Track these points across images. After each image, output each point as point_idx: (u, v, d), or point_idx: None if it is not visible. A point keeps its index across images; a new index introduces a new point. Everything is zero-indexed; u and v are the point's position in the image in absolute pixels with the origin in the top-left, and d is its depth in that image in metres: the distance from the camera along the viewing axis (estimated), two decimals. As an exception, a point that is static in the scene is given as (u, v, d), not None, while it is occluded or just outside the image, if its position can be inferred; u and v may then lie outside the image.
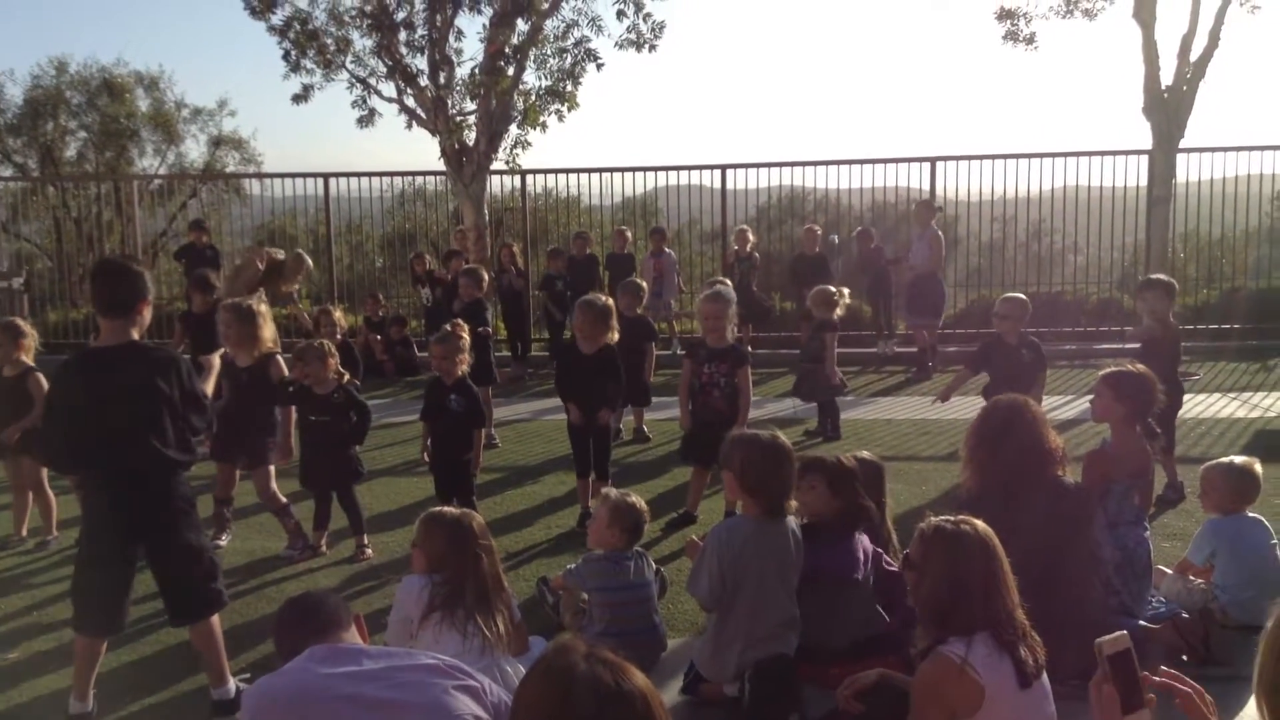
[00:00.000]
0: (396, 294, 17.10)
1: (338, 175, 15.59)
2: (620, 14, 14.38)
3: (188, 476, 4.49)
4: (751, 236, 13.75)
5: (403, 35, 14.51)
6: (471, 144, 14.53)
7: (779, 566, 4.35)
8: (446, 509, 4.33)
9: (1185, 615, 4.81)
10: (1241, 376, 11.80)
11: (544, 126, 14.70)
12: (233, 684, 4.51)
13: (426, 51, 14.51)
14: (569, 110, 14.71)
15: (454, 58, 14.63)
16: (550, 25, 14.47)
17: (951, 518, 3.29)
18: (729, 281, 9.66)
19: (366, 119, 14.89)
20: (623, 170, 15.51)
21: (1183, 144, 14.27)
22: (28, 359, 6.79)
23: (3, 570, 6.49)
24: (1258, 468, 5.32)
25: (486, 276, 9.96)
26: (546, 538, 6.79)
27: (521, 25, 14.21)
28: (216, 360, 5.23)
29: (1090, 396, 5.47)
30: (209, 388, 4.74)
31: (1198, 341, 12.60)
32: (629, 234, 14.28)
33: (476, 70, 14.43)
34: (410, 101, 14.67)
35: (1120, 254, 16.30)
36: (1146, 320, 7.28)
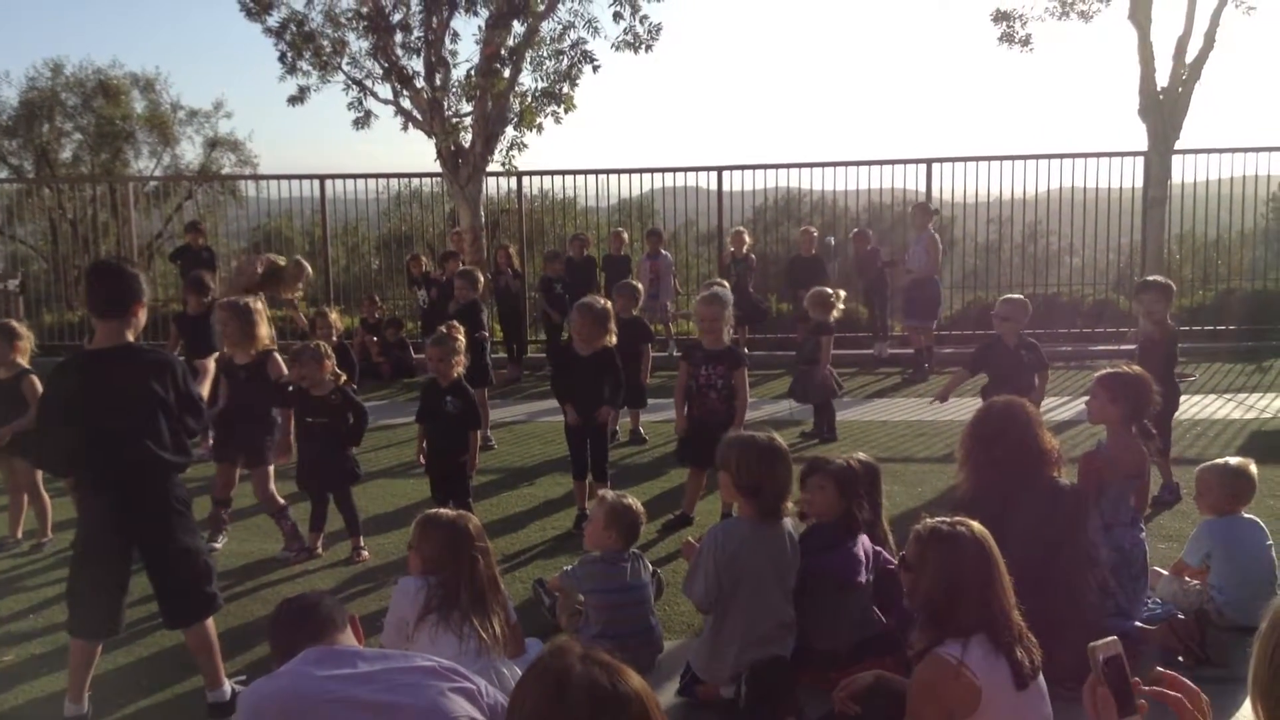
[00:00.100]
0: (393, 296, 17.08)
1: (334, 177, 15.59)
2: (617, 16, 14.38)
3: (184, 478, 4.49)
4: (748, 238, 13.76)
5: (399, 37, 14.49)
6: (467, 146, 14.53)
7: (775, 568, 4.35)
8: (443, 510, 4.33)
9: (1181, 616, 4.83)
10: (1237, 378, 11.82)
11: (540, 128, 14.69)
12: (228, 686, 4.51)
13: (422, 53, 14.50)
14: (566, 112, 14.70)
15: (450, 59, 14.62)
16: (546, 27, 14.47)
17: (947, 519, 3.29)
18: (726, 283, 9.67)
19: (362, 121, 14.87)
20: (619, 172, 15.53)
21: (1178, 145, 14.31)
22: (23, 361, 6.77)
23: (-2, 573, 6.48)
24: (1253, 469, 5.33)
25: (482, 278, 9.96)
26: (542, 539, 6.78)
27: (518, 27, 14.20)
28: (211, 364, 5.23)
29: (1086, 398, 5.47)
30: (204, 392, 4.73)
31: (1193, 343, 12.63)
32: (625, 236, 14.28)
33: (472, 72, 14.43)
34: (406, 103, 14.66)
35: (1116, 255, 16.34)
36: (1143, 321, 7.29)
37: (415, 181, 18.61)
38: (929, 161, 14.64)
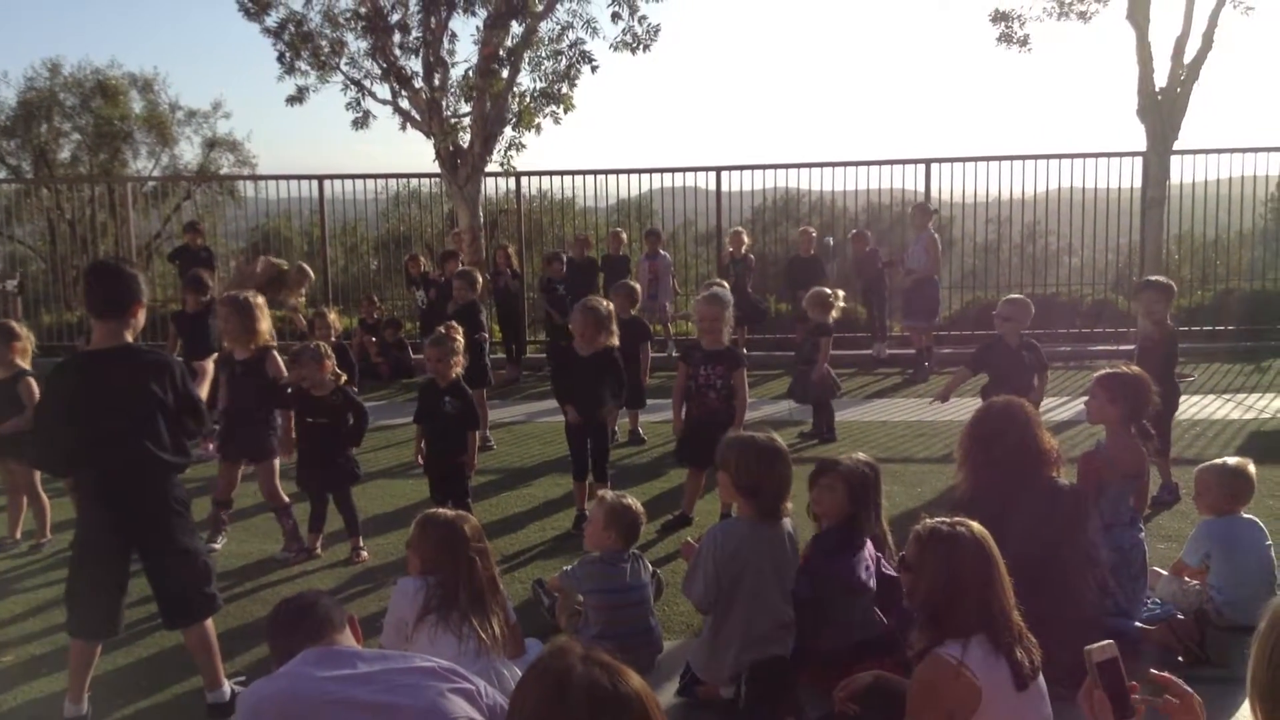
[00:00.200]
0: (391, 296, 17.09)
1: (332, 177, 15.58)
2: (615, 16, 14.39)
3: (183, 479, 4.49)
4: (746, 238, 13.76)
5: (397, 37, 14.48)
6: (466, 146, 14.53)
7: (775, 568, 4.35)
8: (441, 511, 4.33)
9: (1180, 616, 4.83)
10: (1236, 378, 11.83)
11: (538, 128, 14.70)
12: (228, 687, 4.51)
13: (421, 53, 14.50)
14: (565, 112, 14.72)
15: (448, 60, 14.63)
16: (545, 27, 14.47)
17: (947, 519, 3.29)
18: (725, 284, 9.66)
19: (361, 121, 14.87)
20: (618, 172, 15.53)
21: (1177, 146, 14.32)
22: (22, 362, 6.77)
23: (-4, 573, 6.48)
24: (1251, 469, 5.33)
25: (480, 279, 9.96)
26: (542, 540, 6.78)
27: (516, 27, 14.21)
28: (210, 366, 5.23)
29: (1085, 398, 5.47)
30: (203, 393, 4.73)
31: (1192, 343, 12.63)
32: (624, 236, 14.28)
33: (471, 72, 14.43)
34: (405, 103, 14.66)
35: (1115, 256, 16.34)
36: (1142, 321, 7.29)
37: (414, 182, 18.67)
38: (928, 162, 14.64)
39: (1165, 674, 2.33)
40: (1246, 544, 5.14)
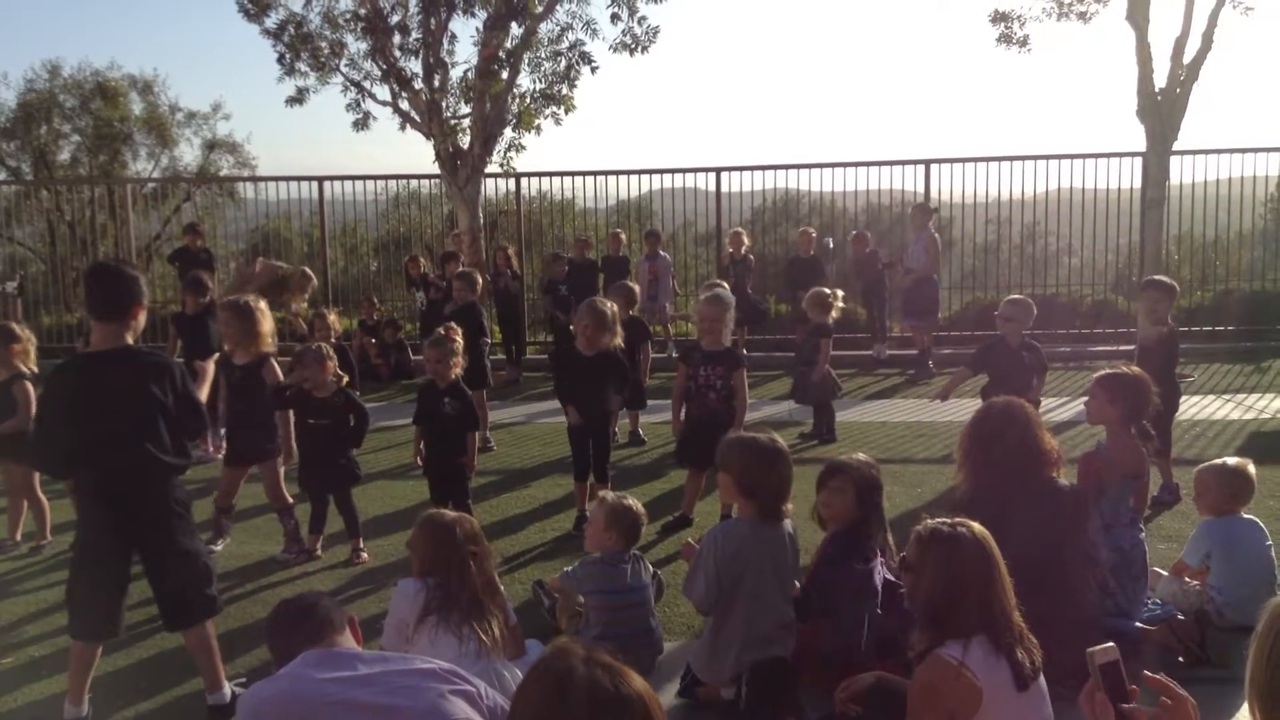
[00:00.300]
0: (391, 297, 17.09)
1: (332, 179, 15.58)
2: (614, 17, 14.41)
3: (184, 480, 4.49)
4: (746, 239, 13.76)
5: (397, 39, 14.50)
6: (466, 147, 14.53)
7: (775, 569, 4.35)
8: (440, 512, 4.34)
9: (1181, 617, 4.83)
10: (1236, 378, 11.83)
11: (538, 129, 14.71)
12: (228, 689, 4.50)
13: (421, 55, 14.51)
14: (566, 113, 14.74)
15: (448, 61, 14.64)
16: (544, 28, 14.49)
17: (948, 520, 3.29)
18: (725, 284, 9.67)
19: (361, 122, 14.90)
20: (617, 173, 15.53)
21: (1176, 146, 14.33)
22: (21, 364, 6.76)
23: (-3, 575, 6.48)
24: (1251, 469, 5.33)
25: (480, 280, 9.96)
26: (542, 541, 6.78)
27: (516, 29, 14.22)
28: (210, 367, 5.22)
29: (1085, 398, 5.48)
30: (203, 394, 4.73)
31: (1192, 343, 12.63)
32: (624, 237, 14.28)
33: (470, 73, 14.44)
34: (405, 105, 14.67)
35: (1115, 256, 16.35)
36: (1143, 321, 7.29)
37: (414, 183, 18.64)
38: (928, 162, 14.65)
39: (1159, 676, 2.33)
40: (1247, 544, 5.14)
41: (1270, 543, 5.19)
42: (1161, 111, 14.18)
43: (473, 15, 14.43)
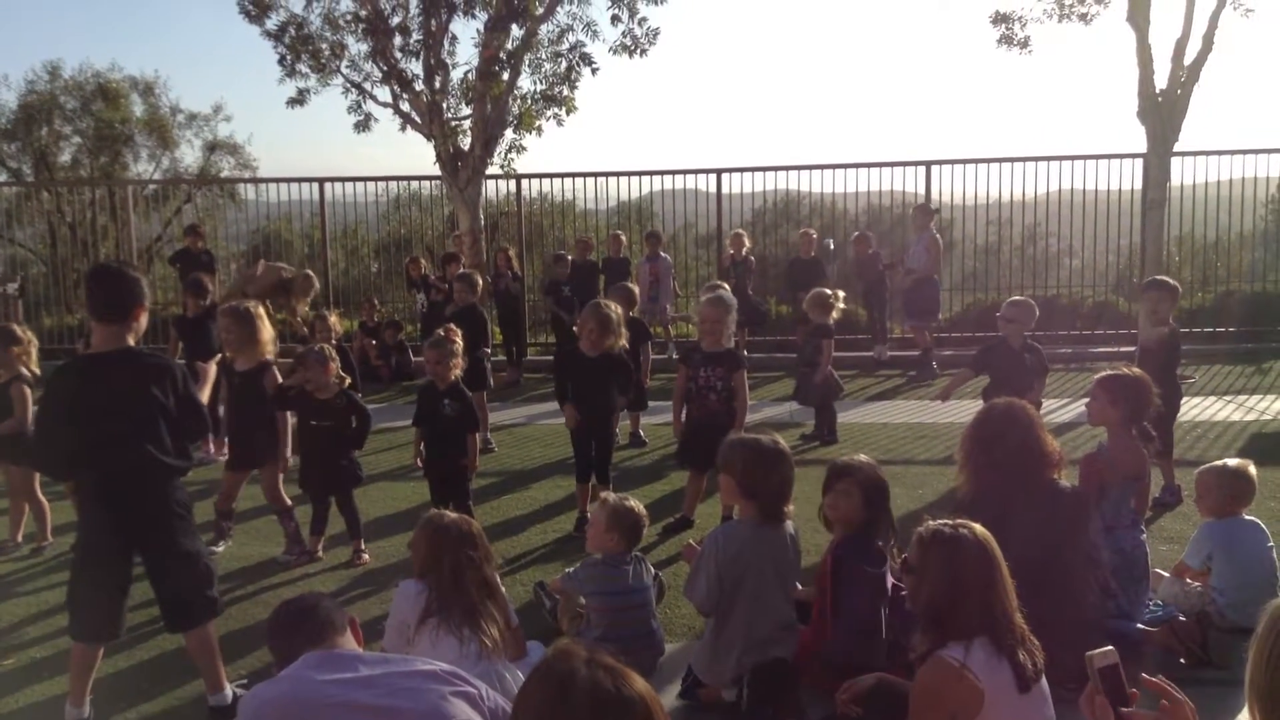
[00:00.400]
0: (392, 299, 17.10)
1: (333, 180, 15.58)
2: (615, 19, 14.42)
3: (185, 482, 4.49)
4: (747, 241, 13.77)
5: (398, 40, 14.51)
6: (467, 148, 14.54)
7: (777, 570, 4.35)
8: (440, 513, 4.34)
9: (1183, 618, 4.83)
10: (1236, 380, 11.83)
11: (539, 130, 14.73)
12: (229, 690, 4.50)
13: (421, 56, 14.52)
14: (567, 114, 14.75)
15: (449, 62, 14.65)
16: (545, 30, 14.50)
17: (949, 522, 3.29)
18: (726, 286, 9.67)
19: (363, 124, 14.90)
20: (618, 174, 15.53)
21: (1177, 147, 14.32)
22: (21, 366, 6.76)
23: (-2, 576, 6.48)
24: (1252, 470, 5.33)
25: (480, 281, 9.97)
26: (543, 542, 6.78)
27: (516, 30, 14.23)
28: (212, 369, 5.22)
29: (1086, 400, 5.47)
30: (205, 396, 4.73)
31: (1192, 344, 12.62)
32: (624, 238, 14.28)
33: (471, 75, 14.45)
34: (405, 106, 14.68)
35: (1116, 257, 16.34)
36: (1144, 321, 7.28)
37: (414, 184, 18.64)
38: (928, 164, 14.65)
39: (1157, 679, 2.34)
40: (1248, 546, 5.13)
41: (1272, 544, 5.19)
42: (1162, 113, 14.18)
43: (473, 17, 14.44)
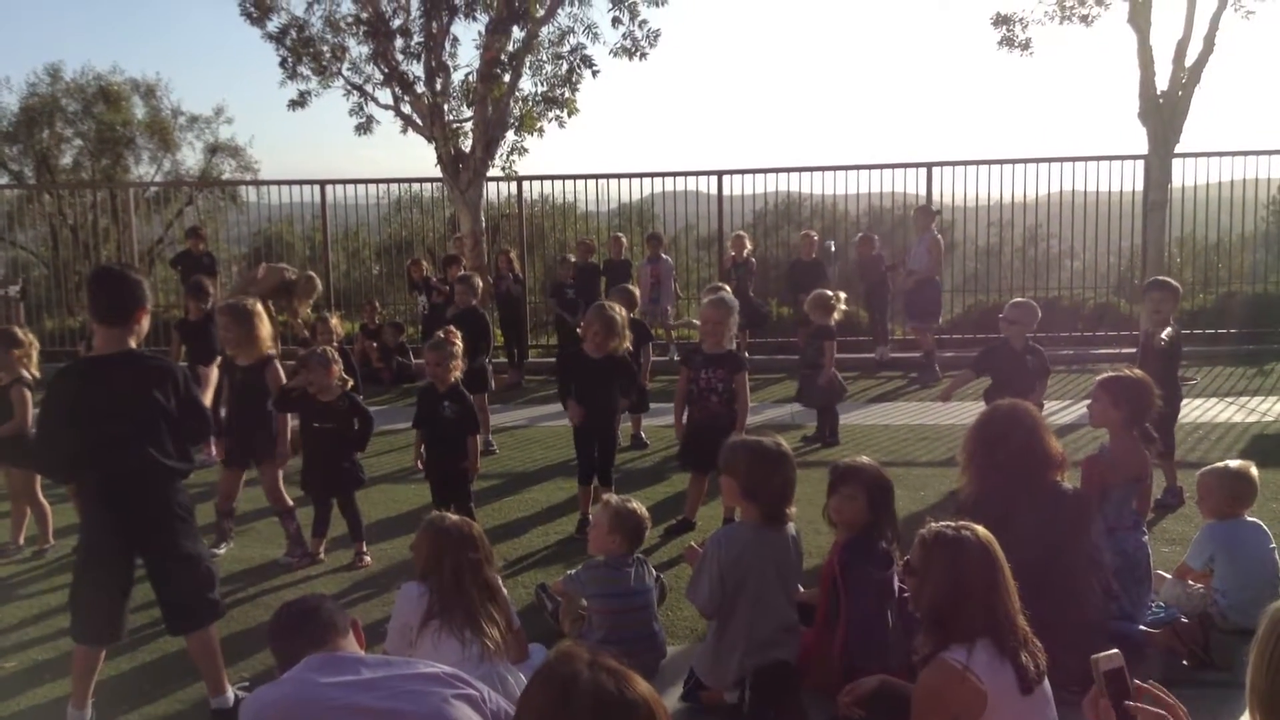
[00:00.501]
0: (394, 301, 17.11)
1: (334, 182, 15.58)
2: (615, 21, 14.44)
3: (186, 484, 4.49)
4: (748, 242, 13.76)
5: (399, 42, 14.54)
6: (468, 150, 14.56)
7: (779, 572, 4.34)
8: (446, 514, 4.34)
9: (1185, 620, 4.82)
10: (1238, 381, 11.82)
11: (541, 131, 14.75)
12: (231, 693, 4.50)
13: (423, 58, 14.54)
14: (569, 115, 14.77)
15: (450, 64, 14.67)
16: (545, 32, 14.52)
17: (952, 523, 3.29)
18: (727, 287, 9.66)
19: (364, 126, 14.93)
20: (619, 176, 15.54)
21: (1178, 149, 14.33)
22: (23, 368, 6.77)
23: (0, 578, 6.47)
24: (1253, 471, 5.33)
25: (480, 284, 9.97)
26: (545, 544, 6.78)
27: (517, 32, 14.25)
28: (214, 372, 5.22)
29: (1088, 401, 5.47)
30: (207, 399, 4.73)
31: (1194, 346, 12.62)
32: (625, 240, 14.28)
33: (472, 77, 14.47)
34: (407, 108, 14.70)
35: (1117, 259, 16.33)
36: (1146, 321, 7.28)
37: (416, 186, 18.63)
38: (929, 165, 14.65)
39: (1150, 684, 2.34)
40: (1250, 547, 5.13)
41: (1274, 545, 5.19)
42: (1163, 114, 14.18)
43: (474, 19, 14.48)
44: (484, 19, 14.26)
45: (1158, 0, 14.34)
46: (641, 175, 15.76)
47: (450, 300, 11.04)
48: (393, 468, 8.80)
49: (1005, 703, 3.08)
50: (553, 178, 16.03)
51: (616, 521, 4.80)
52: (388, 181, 16.76)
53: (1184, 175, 14.52)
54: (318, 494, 6.64)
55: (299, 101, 14.82)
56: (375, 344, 13.32)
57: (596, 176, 15.53)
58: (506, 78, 14.26)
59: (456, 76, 14.72)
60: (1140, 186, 14.53)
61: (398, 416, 10.35)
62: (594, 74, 14.61)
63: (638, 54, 14.58)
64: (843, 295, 9.51)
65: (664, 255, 14.11)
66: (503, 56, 14.11)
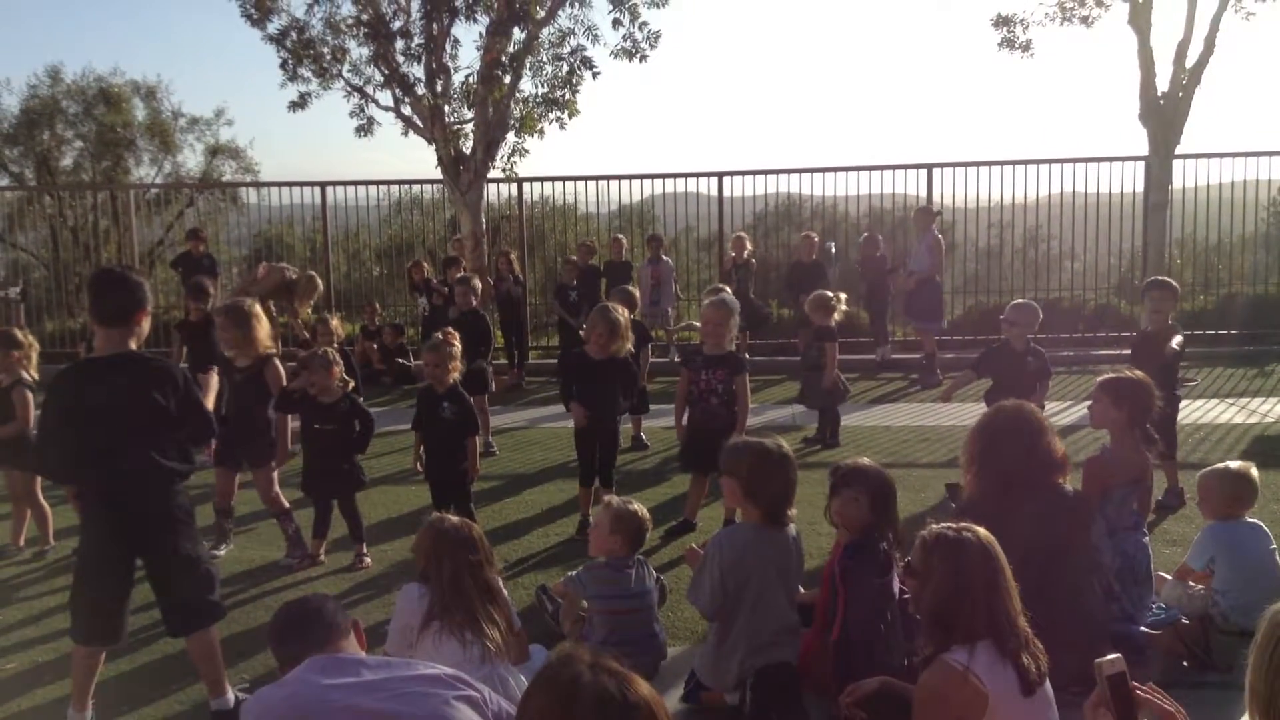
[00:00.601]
0: (394, 303, 17.11)
1: (334, 184, 15.59)
2: (616, 22, 14.44)
3: (186, 485, 4.49)
4: (748, 244, 13.76)
5: (399, 44, 14.53)
6: (468, 152, 14.56)
7: (780, 574, 4.34)
8: (447, 516, 4.33)
9: (1186, 621, 4.82)
10: (1238, 382, 11.81)
11: (541, 133, 14.75)
12: (231, 694, 4.50)
13: (423, 60, 14.54)
14: (569, 117, 14.77)
15: (450, 66, 14.67)
16: (546, 33, 14.52)
17: (953, 525, 3.29)
18: (728, 289, 9.66)
19: (365, 128, 14.92)
20: (619, 178, 15.54)
21: (1179, 150, 14.33)
22: (23, 370, 6.77)
23: (0, 580, 6.47)
24: (1254, 472, 5.33)
25: (480, 285, 9.97)
26: (545, 545, 6.78)
27: (518, 34, 14.25)
28: (215, 377, 5.22)
29: (1088, 402, 5.47)
30: (209, 402, 4.73)
31: (1194, 347, 12.60)
32: (625, 241, 14.29)
33: (473, 78, 14.47)
34: (407, 110, 14.69)
35: (1118, 260, 16.32)
36: (1146, 321, 7.28)
37: (416, 188, 18.65)
38: (930, 166, 14.65)
39: (1149, 688, 2.34)
40: (1251, 548, 5.13)
41: (1274, 546, 5.19)
42: (1164, 115, 14.18)
43: (475, 20, 14.47)
44: (484, 20, 14.26)
45: (1158, 2, 14.42)
46: (642, 176, 15.76)
47: (451, 302, 11.04)
48: (393, 469, 8.80)
49: (1006, 704, 3.08)
50: (553, 179, 16.04)
51: (617, 523, 4.80)
52: (388, 183, 16.78)
53: (1184, 176, 14.54)
54: (318, 495, 6.64)
55: (299, 103, 14.82)
56: (376, 345, 13.32)
57: (597, 178, 15.53)
58: (507, 79, 14.26)
59: (457, 78, 14.73)
60: (1141, 188, 14.54)
61: (398, 418, 10.35)
62: (594, 75, 14.61)
63: (638, 56, 14.58)
64: (843, 296, 9.51)
65: (664, 257, 14.11)
66: (503, 58, 14.10)
